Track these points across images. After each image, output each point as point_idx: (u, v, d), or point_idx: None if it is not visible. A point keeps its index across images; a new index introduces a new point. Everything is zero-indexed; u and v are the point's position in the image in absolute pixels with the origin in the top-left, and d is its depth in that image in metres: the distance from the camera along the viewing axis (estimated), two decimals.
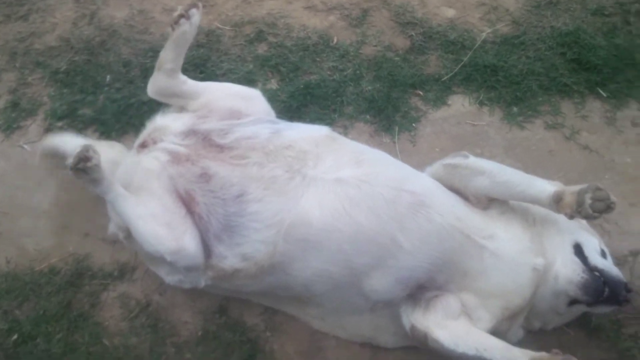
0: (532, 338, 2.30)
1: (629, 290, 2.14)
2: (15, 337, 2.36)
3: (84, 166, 1.97)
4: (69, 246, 2.57)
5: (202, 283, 2.23)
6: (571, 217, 2.03)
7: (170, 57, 2.30)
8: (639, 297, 2.45)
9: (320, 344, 2.40)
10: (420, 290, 2.14)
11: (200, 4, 2.30)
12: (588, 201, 1.96)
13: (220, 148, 2.19)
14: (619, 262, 2.50)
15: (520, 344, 2.21)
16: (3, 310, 2.42)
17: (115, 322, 2.43)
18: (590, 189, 1.97)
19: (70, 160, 1.97)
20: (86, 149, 1.97)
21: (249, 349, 2.37)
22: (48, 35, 3.12)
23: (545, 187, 2.11)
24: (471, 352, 2.01)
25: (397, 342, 2.33)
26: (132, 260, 2.53)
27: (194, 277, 2.22)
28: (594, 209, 1.96)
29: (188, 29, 2.28)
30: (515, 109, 2.89)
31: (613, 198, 1.97)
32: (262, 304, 2.44)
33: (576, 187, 2.02)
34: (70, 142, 2.51)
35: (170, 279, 2.27)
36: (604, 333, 2.41)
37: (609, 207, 1.97)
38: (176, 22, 2.26)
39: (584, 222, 2.41)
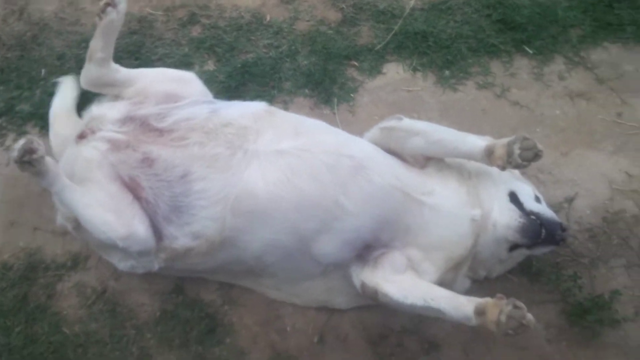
0: (478, 287, 2.42)
1: (564, 230, 2.26)
2: None
3: (29, 158, 1.97)
4: (19, 241, 2.58)
5: (156, 266, 2.28)
6: (503, 168, 2.13)
7: (99, 46, 2.31)
8: (575, 240, 2.61)
9: (278, 312, 2.48)
10: (368, 250, 2.22)
11: None
12: (517, 151, 2.06)
13: (160, 132, 2.22)
14: (555, 209, 2.62)
15: (467, 293, 2.28)
16: None
17: (74, 311, 2.45)
18: (518, 139, 2.08)
19: (14, 153, 1.97)
20: (30, 141, 1.97)
21: (208, 323, 2.43)
22: None
23: (477, 142, 2.21)
24: (419, 302, 2.10)
25: (351, 302, 2.42)
26: (84, 250, 2.55)
27: (146, 261, 2.27)
28: (523, 158, 2.06)
29: (115, 17, 2.29)
30: (447, 73, 3.00)
31: (540, 146, 2.07)
32: (218, 280, 2.49)
33: (505, 140, 2.12)
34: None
35: (123, 265, 2.32)
36: (544, 277, 2.53)
37: (536, 155, 2.07)
38: (103, 10, 2.27)
39: (517, 173, 2.53)
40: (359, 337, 2.44)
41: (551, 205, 2.60)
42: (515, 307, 1.90)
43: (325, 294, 2.41)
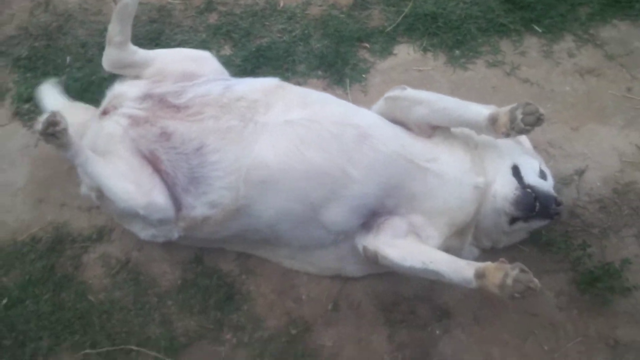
0: (488, 256, 2.44)
1: (558, 204, 2.26)
2: (5, 301, 2.49)
3: (53, 130, 2.08)
4: (47, 217, 2.70)
5: (176, 235, 2.38)
6: (507, 135, 2.16)
7: (117, 30, 2.42)
8: (586, 211, 2.65)
9: (293, 282, 2.55)
10: (373, 218, 2.29)
11: None
12: (519, 116, 2.10)
13: (177, 108, 2.33)
14: (566, 181, 2.70)
15: (476, 261, 2.38)
16: None
17: (99, 280, 2.56)
18: (521, 105, 2.12)
19: (39, 126, 2.09)
20: (54, 114, 2.09)
21: (226, 291, 2.52)
22: (7, 26, 3.24)
23: (481, 110, 2.25)
24: (418, 265, 2.16)
25: (363, 270, 2.48)
26: (109, 223, 2.66)
27: (167, 230, 2.37)
28: (526, 123, 2.10)
29: (130, 2, 2.39)
30: (457, 52, 3.07)
31: (542, 110, 2.11)
32: (235, 250, 2.58)
33: (508, 107, 2.16)
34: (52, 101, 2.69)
35: (144, 234, 2.43)
36: (555, 246, 2.56)
37: (539, 119, 2.11)
38: None
39: (528, 146, 2.59)
40: (371, 305, 2.50)
41: (562, 178, 2.68)
42: (522, 270, 1.95)
43: (338, 262, 2.47)
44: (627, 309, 2.44)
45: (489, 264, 2.04)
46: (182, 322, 2.48)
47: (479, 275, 2.03)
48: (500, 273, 1.97)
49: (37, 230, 2.66)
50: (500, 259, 2.03)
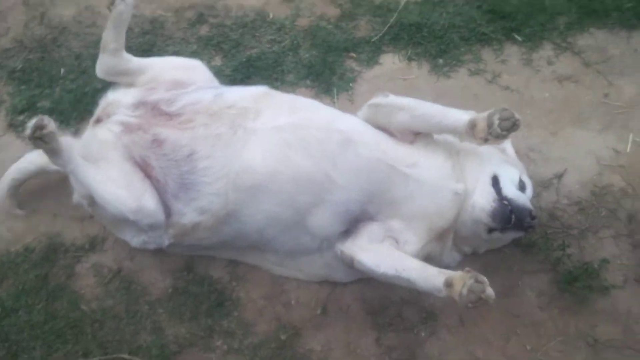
0: (471, 259, 2.53)
1: (533, 218, 2.30)
2: None
3: (40, 134, 2.12)
4: (40, 227, 2.75)
5: (166, 242, 2.44)
6: (486, 140, 2.19)
7: (111, 37, 2.49)
8: (565, 213, 2.72)
9: (283, 287, 2.61)
10: (355, 224, 2.34)
11: None
12: (496, 122, 2.14)
13: (169, 116, 2.40)
14: (545, 185, 2.77)
15: (458, 265, 2.46)
16: None
17: (91, 290, 2.61)
18: (498, 111, 2.16)
19: (27, 131, 2.14)
20: (41, 118, 2.13)
21: (216, 298, 2.57)
22: (2, 39, 3.29)
23: (461, 116, 2.29)
24: (390, 271, 2.21)
25: (351, 275, 2.52)
26: (102, 233, 2.71)
27: (157, 237, 2.43)
28: (502, 128, 2.13)
29: (124, 9, 2.46)
30: (440, 61, 3.15)
31: (517, 115, 2.14)
32: (225, 257, 2.64)
33: (486, 112, 2.19)
34: None
35: (135, 241, 2.48)
36: (535, 247, 2.64)
37: (514, 124, 2.14)
38: (112, 3, 2.45)
39: (512, 154, 2.65)
40: (359, 309, 2.57)
41: (541, 182, 2.76)
42: (477, 281, 1.97)
43: (325, 269, 2.52)
44: (606, 308, 2.52)
45: (457, 272, 2.07)
46: (173, 330, 2.53)
47: (448, 284, 2.05)
48: (461, 282, 2.00)
49: (30, 240, 2.71)
50: (466, 268, 2.05)
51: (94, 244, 2.71)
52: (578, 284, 2.53)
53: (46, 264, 2.66)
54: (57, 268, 2.66)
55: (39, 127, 2.12)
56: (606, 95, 3.00)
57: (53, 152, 2.21)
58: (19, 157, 2.86)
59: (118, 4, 2.45)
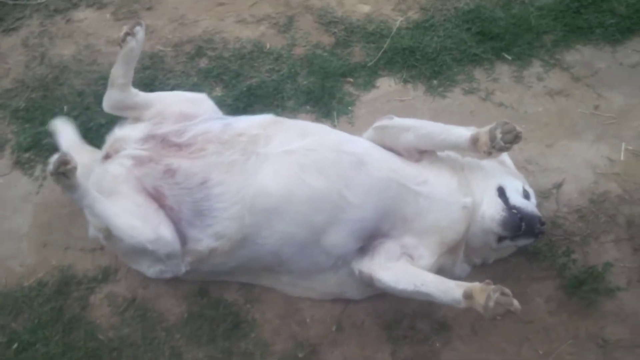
0: (479, 270, 2.62)
1: (542, 224, 2.40)
2: (15, 345, 2.53)
3: (64, 169, 2.16)
4: (52, 260, 2.76)
5: (183, 269, 2.47)
6: (489, 153, 2.27)
7: (120, 72, 2.55)
8: (566, 221, 2.81)
9: (297, 306, 2.65)
10: (369, 241, 2.41)
11: (142, 22, 2.55)
12: (499, 135, 2.22)
13: (179, 146, 2.45)
14: (545, 195, 2.86)
15: (469, 277, 2.54)
16: (0, 325, 2.60)
17: (107, 319, 2.62)
18: (499, 124, 2.24)
19: (50, 166, 2.18)
20: (64, 154, 2.18)
21: (232, 320, 2.60)
22: (3, 80, 3.35)
23: (463, 132, 2.38)
24: (410, 287, 2.27)
25: (364, 293, 2.57)
26: (113, 264, 2.74)
27: (174, 265, 2.45)
28: (505, 141, 2.22)
29: (135, 45, 2.53)
30: (435, 82, 3.27)
31: (519, 128, 2.24)
32: (239, 281, 2.67)
33: (487, 127, 2.28)
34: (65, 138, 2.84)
35: (151, 271, 2.49)
36: (541, 255, 2.71)
37: (516, 137, 2.23)
38: (123, 40, 2.50)
39: (511, 166, 2.75)
40: (374, 324, 2.61)
41: (541, 192, 2.85)
42: (503, 294, 2.02)
43: (338, 287, 2.57)
44: (613, 309, 2.59)
45: (476, 284, 2.12)
46: (191, 354, 2.54)
47: (467, 295, 2.11)
48: (484, 294, 2.04)
49: (43, 274, 2.73)
50: (486, 280, 2.09)
51: (106, 275, 2.73)
52: (585, 288, 2.60)
53: (60, 297, 2.67)
54: (71, 300, 2.67)
55: (63, 162, 2.16)
56: (597, 107, 3.13)
57: (72, 187, 2.24)
58: (27, 193, 2.92)
59: (129, 41, 2.50)
